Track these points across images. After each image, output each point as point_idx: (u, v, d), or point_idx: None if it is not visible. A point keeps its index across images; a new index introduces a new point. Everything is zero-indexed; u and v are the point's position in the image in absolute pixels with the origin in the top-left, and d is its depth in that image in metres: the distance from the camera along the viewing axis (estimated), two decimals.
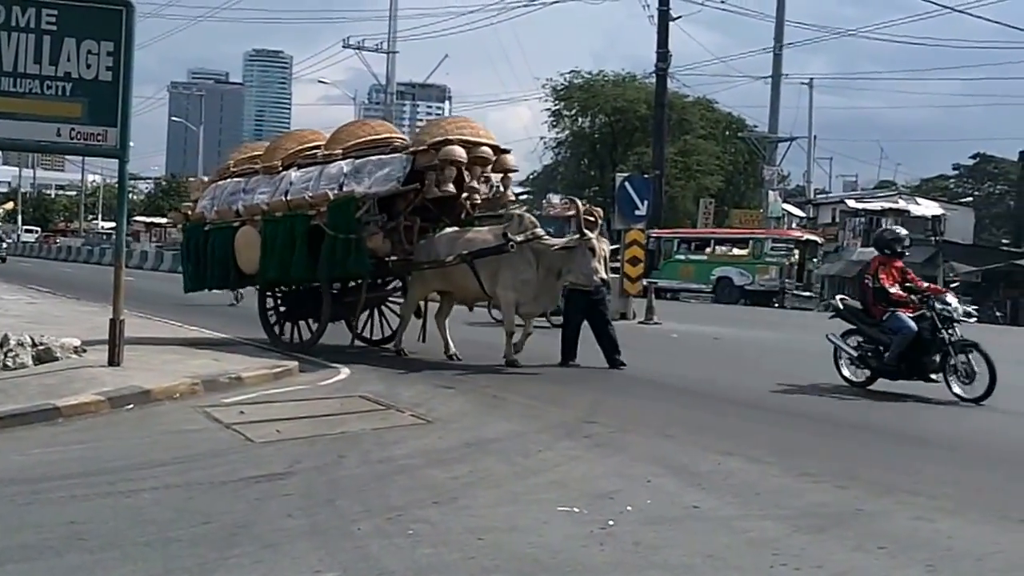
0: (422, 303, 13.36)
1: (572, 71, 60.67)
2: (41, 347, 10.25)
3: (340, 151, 12.98)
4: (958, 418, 9.54)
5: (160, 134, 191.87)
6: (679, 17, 30.19)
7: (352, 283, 13.48)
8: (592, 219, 11.70)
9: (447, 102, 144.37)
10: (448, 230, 12.71)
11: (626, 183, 21.52)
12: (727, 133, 59.52)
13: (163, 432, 7.78)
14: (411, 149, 12.36)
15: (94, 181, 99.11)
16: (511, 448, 7.34)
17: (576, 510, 5.57)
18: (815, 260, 37.92)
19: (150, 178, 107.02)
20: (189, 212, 14.93)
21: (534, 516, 5.44)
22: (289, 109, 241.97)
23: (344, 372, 11.23)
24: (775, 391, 10.45)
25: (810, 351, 13.26)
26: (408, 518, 5.34)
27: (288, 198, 12.78)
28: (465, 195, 12.74)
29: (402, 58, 45.24)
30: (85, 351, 10.71)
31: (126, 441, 7.46)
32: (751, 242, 35.98)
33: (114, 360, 10.21)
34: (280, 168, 13.41)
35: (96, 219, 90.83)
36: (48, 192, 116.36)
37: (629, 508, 5.63)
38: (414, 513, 5.44)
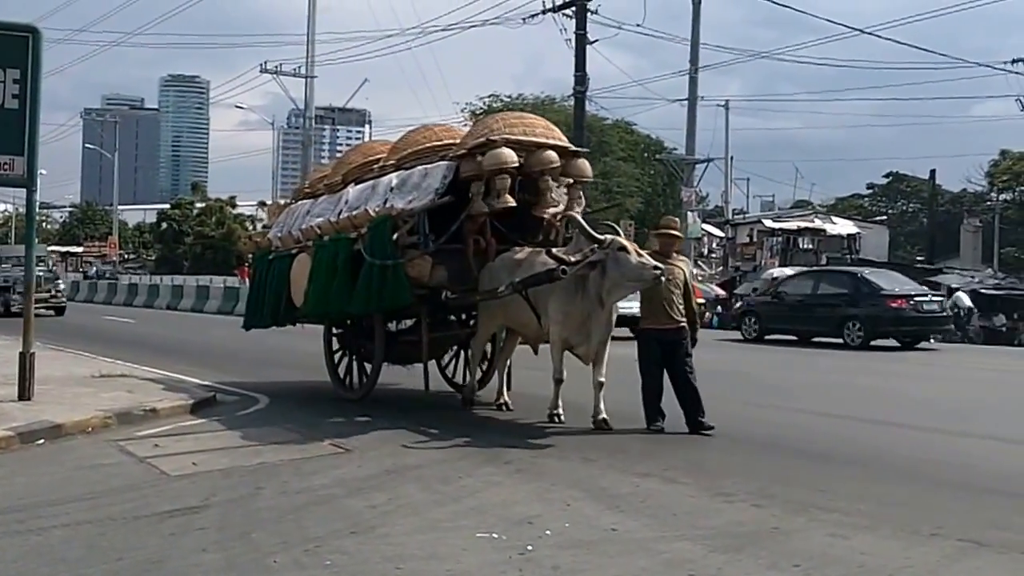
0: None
1: (491, 95, 60.93)
2: None
3: (394, 162, 11.20)
4: (869, 434, 9.71)
5: (74, 162, 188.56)
6: (596, 41, 30.36)
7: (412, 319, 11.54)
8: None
9: (367, 126, 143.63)
10: (509, 254, 10.38)
11: None
12: (646, 155, 60.17)
13: (75, 467, 7.62)
14: (452, 154, 10.46)
15: (6, 210, 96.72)
16: (431, 475, 7.30)
17: (495, 536, 5.56)
18: None
19: (64, 207, 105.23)
20: (259, 240, 13.69)
21: (453, 543, 5.43)
22: (207, 134, 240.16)
23: (263, 401, 11.13)
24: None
25: (720, 369, 13.42)
26: (326, 549, 5.28)
27: (335, 218, 11.19)
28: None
29: (321, 82, 44.85)
30: None
31: (36, 477, 7.27)
32: None
33: (24, 394, 10.01)
34: (341, 185, 11.90)
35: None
36: None
37: (548, 532, 5.64)
38: (332, 544, 5.39)
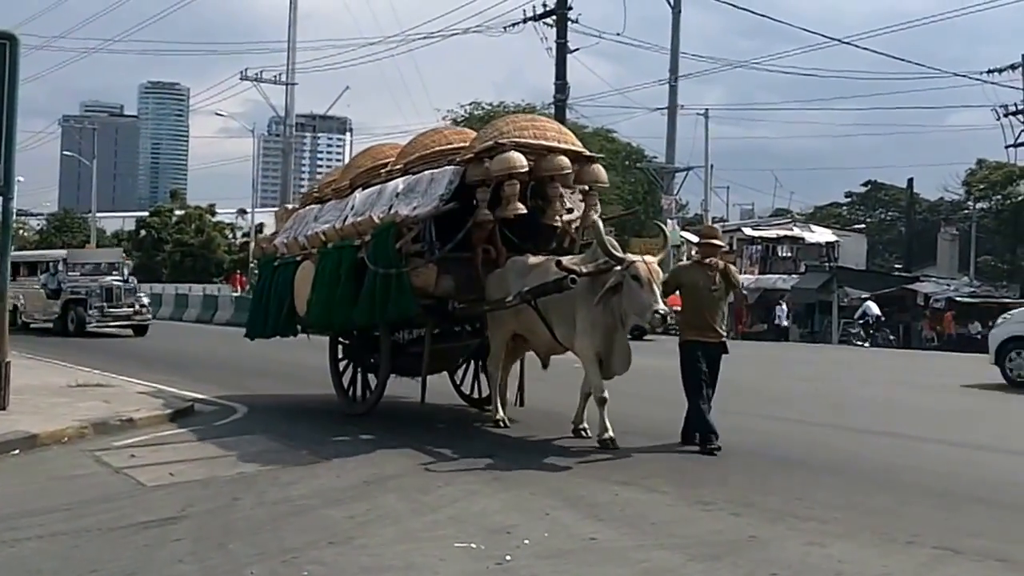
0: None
1: (473, 102, 60.94)
2: None
3: (402, 166, 10.74)
4: (844, 442, 9.74)
5: (52, 169, 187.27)
6: (577, 49, 30.54)
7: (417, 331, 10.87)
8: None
9: (348, 134, 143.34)
10: (521, 259, 9.85)
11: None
12: (626, 163, 60.17)
13: (50, 478, 7.57)
14: (459, 159, 9.98)
15: None
16: (409, 484, 7.28)
17: (473, 546, 5.55)
18: None
19: (42, 214, 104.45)
20: (265, 246, 13.31)
21: (431, 553, 5.41)
22: (186, 142, 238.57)
23: (242, 411, 11.07)
24: (667, 419, 10.52)
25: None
26: (303, 559, 5.25)
27: (340, 225, 10.76)
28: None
29: (302, 90, 45.01)
30: None
31: (11, 488, 7.21)
32: None
33: None
34: (349, 190, 11.41)
35: None
36: None
37: (527, 542, 5.63)
38: (309, 554, 5.36)
